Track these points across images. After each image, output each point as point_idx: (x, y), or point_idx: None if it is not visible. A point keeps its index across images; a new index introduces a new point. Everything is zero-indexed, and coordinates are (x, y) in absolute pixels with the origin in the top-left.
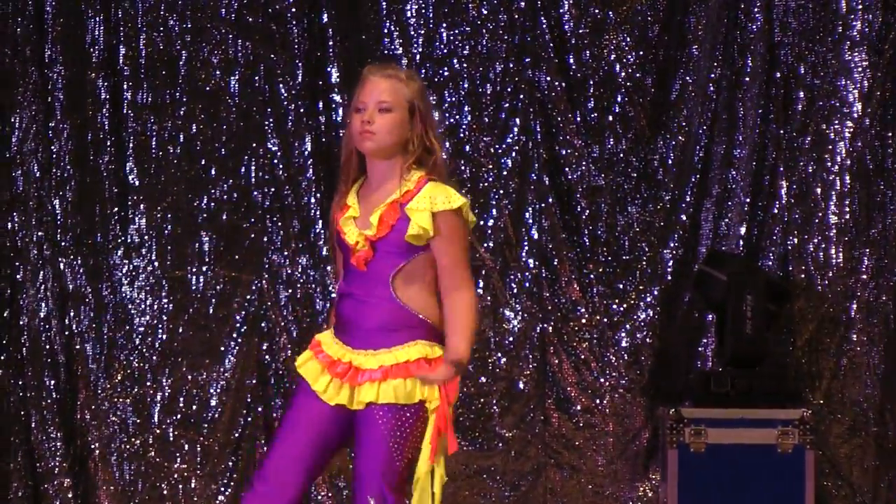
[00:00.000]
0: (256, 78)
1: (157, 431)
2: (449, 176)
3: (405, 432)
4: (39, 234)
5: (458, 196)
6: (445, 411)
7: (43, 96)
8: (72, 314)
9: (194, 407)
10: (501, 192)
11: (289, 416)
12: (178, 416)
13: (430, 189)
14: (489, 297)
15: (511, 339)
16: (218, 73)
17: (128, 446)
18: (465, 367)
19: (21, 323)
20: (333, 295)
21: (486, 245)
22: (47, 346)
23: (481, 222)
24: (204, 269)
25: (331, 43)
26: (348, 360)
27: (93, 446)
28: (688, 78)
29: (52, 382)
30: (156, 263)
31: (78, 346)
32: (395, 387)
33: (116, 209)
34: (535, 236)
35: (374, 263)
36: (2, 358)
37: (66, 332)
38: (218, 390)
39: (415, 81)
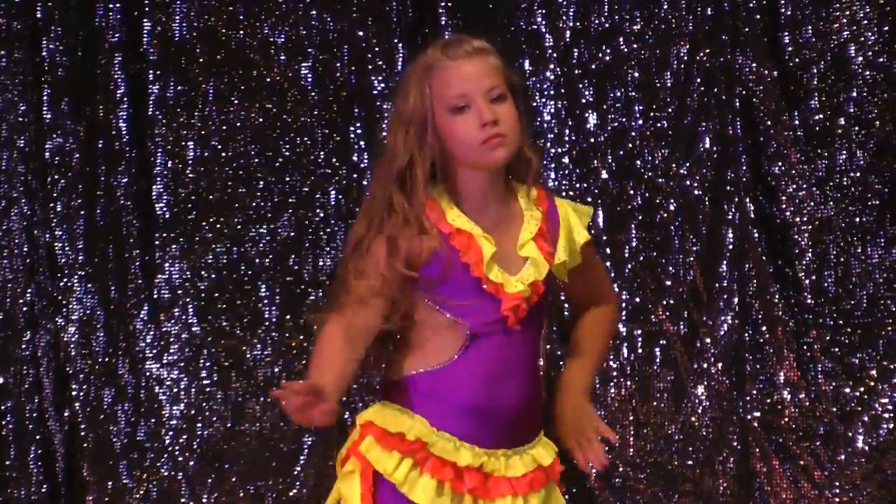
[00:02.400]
0: (338, 64)
1: None
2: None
3: None
4: (30, 288)
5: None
6: None
7: (35, 89)
8: (75, 400)
9: None
10: (687, 227)
11: None
12: None
13: (564, 205)
14: (670, 377)
15: (700, 437)
16: (283, 57)
17: None
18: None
19: (4, 409)
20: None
21: (663, 301)
22: (39, 447)
23: (658, 269)
24: (263, 335)
25: (441, 13)
26: (479, 465)
27: None
28: None
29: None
30: (195, 329)
31: (86, 445)
32: (541, 497)
33: (138, 251)
34: (735, 290)
35: (527, 320)
36: None
37: (67, 427)
38: None
39: (496, 51)
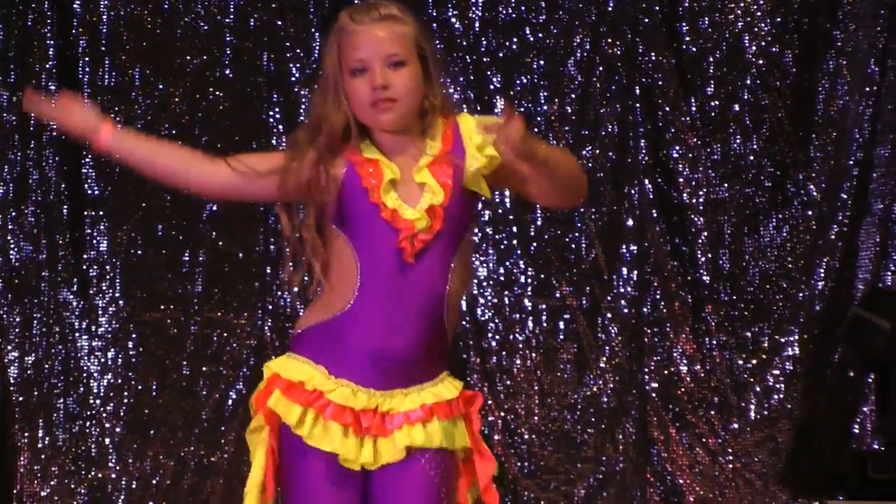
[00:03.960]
0: (260, 52)
1: None
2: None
3: (452, 487)
4: None
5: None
6: (489, 459)
7: None
8: (7, 368)
9: (174, 498)
10: (589, 207)
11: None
12: None
13: (466, 119)
14: (574, 349)
15: (601, 406)
16: (206, 43)
17: None
18: (527, 144)
19: None
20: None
21: (566, 276)
22: None
23: (562, 246)
24: (189, 309)
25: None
26: (374, 407)
27: None
28: (841, 55)
29: None
30: (121, 303)
31: (17, 411)
32: (445, 427)
33: (69, 231)
34: (634, 267)
35: (431, 248)
36: None
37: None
38: (206, 474)
39: (410, 15)
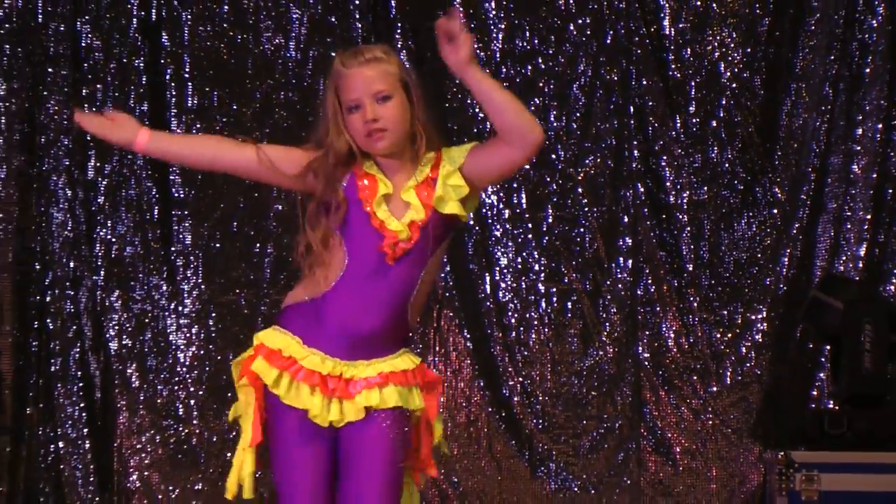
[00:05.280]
0: (317, 78)
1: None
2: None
3: (405, 442)
4: (73, 253)
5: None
6: (429, 434)
7: (72, 81)
8: (109, 343)
9: None
10: (591, 206)
11: (293, 460)
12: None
13: (446, 151)
14: (579, 325)
15: (603, 373)
16: (272, 71)
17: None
18: (475, 69)
19: (52, 347)
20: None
21: (573, 264)
22: (81, 381)
23: (569, 240)
24: (259, 293)
25: (398, 36)
26: (339, 373)
27: (131, 491)
28: (801, 80)
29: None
30: (202, 287)
31: (117, 382)
32: (399, 391)
33: (159, 228)
34: (629, 256)
35: (409, 256)
36: (30, 395)
37: (102, 365)
38: None
39: (393, 55)
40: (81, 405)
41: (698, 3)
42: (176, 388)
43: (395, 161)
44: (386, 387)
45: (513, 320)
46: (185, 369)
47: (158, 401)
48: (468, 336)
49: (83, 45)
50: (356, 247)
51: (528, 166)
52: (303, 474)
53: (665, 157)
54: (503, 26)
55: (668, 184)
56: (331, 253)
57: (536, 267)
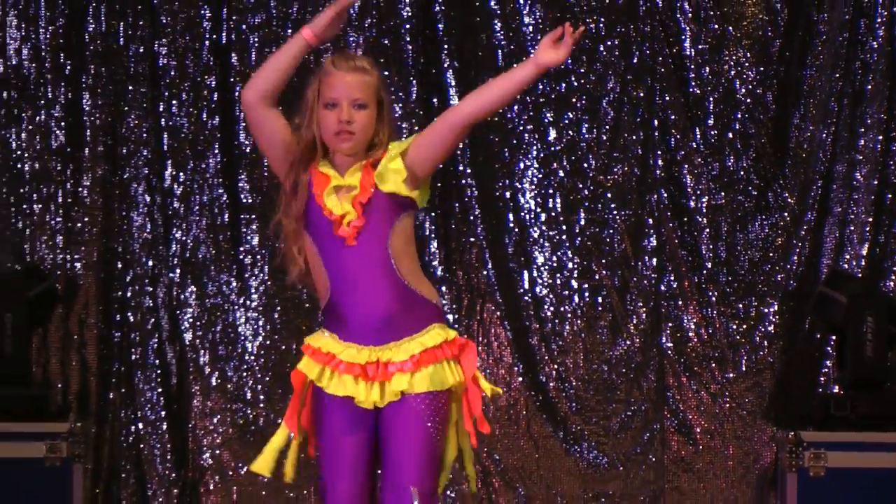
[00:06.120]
0: None
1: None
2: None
3: (441, 418)
4: (151, 254)
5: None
6: (477, 393)
7: (151, 97)
8: (184, 335)
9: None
10: (619, 210)
11: (339, 446)
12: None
13: (392, 145)
14: (609, 317)
15: (629, 360)
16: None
17: (240, 473)
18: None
19: (132, 338)
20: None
21: (603, 262)
22: (158, 368)
23: (599, 241)
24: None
25: (444, 57)
26: (375, 359)
27: (205, 467)
28: (809, 96)
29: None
30: (268, 283)
31: (192, 369)
32: (430, 375)
33: (229, 230)
34: (654, 255)
35: (366, 233)
36: (113, 381)
37: (178, 354)
38: None
39: (376, 70)
40: (159, 390)
41: (716, 26)
42: (244, 374)
43: (350, 160)
44: (417, 372)
45: (549, 313)
46: (252, 357)
47: (228, 386)
48: (508, 327)
49: (160, 64)
50: (324, 244)
51: (562, 174)
52: (345, 458)
53: (686, 166)
54: None
55: (688, 189)
56: (312, 256)
57: (570, 265)
